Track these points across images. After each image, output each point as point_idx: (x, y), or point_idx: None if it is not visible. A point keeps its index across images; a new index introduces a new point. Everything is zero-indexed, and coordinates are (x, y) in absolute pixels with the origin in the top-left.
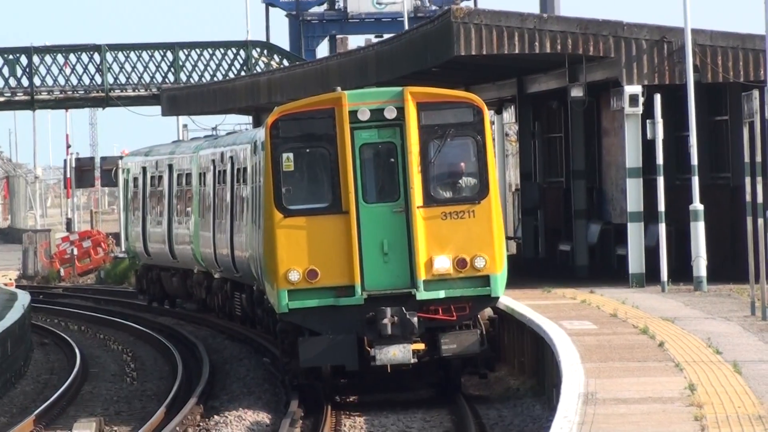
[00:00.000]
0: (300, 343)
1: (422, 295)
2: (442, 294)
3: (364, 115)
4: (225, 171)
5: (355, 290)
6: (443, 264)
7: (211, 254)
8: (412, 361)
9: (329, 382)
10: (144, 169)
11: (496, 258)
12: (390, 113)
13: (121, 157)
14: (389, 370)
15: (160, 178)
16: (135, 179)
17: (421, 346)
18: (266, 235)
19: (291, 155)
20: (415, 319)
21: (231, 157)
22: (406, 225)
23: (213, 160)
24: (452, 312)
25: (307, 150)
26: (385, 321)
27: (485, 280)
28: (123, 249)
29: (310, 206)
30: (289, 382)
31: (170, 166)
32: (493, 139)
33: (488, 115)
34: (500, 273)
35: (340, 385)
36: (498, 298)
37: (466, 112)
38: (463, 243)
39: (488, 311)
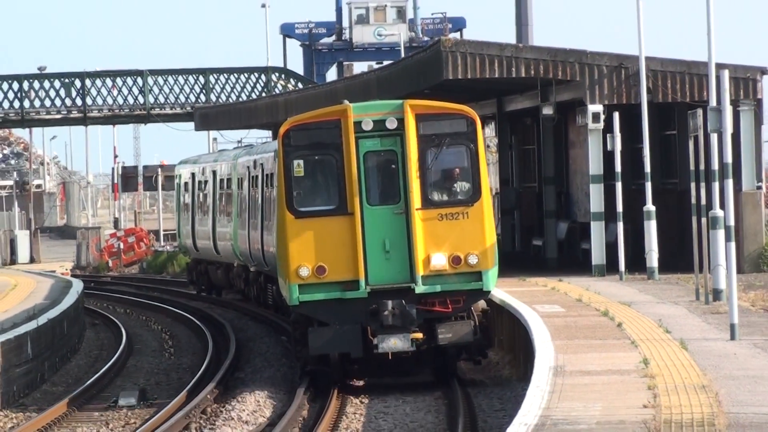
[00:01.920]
0: (309, 333)
1: (420, 289)
2: (438, 288)
3: (367, 126)
4: (257, 176)
5: (359, 284)
6: (439, 261)
7: (246, 250)
8: (411, 349)
9: (336, 368)
10: (193, 174)
11: (487, 255)
12: (391, 124)
13: (161, 166)
14: (390, 357)
15: (206, 182)
16: (186, 184)
17: (419, 335)
18: (279, 234)
19: (301, 162)
20: (414, 311)
21: (261, 164)
22: (405, 225)
23: (248, 167)
24: (448, 304)
25: (316, 157)
26: (387, 312)
27: (478, 276)
28: (176, 244)
29: (318, 208)
30: (301, 368)
31: (214, 173)
32: (487, 147)
33: (480, 125)
34: (491, 269)
35: (348, 371)
36: (489, 291)
37: (461, 122)
38: (457, 242)
39: (482, 303)
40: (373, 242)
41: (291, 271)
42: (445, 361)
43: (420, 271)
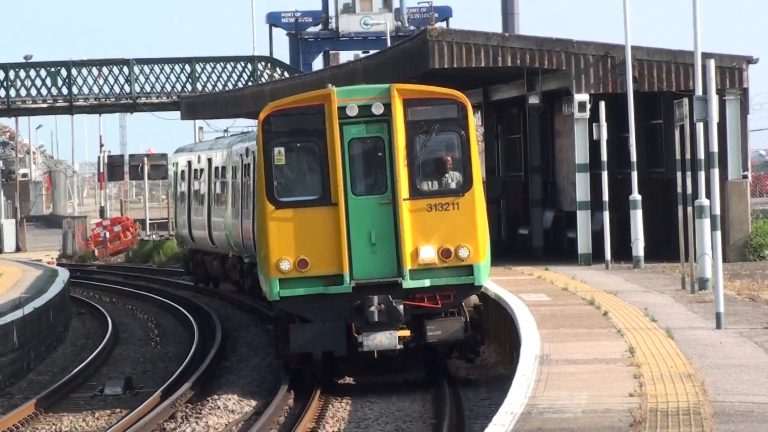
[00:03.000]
0: (291, 330)
1: (408, 283)
2: (427, 283)
3: (352, 111)
4: (249, 165)
5: (343, 279)
6: (428, 254)
7: (240, 241)
8: (398, 347)
9: (320, 367)
10: (189, 162)
11: (479, 248)
12: (377, 109)
13: (147, 155)
14: (376, 356)
15: (202, 171)
16: (182, 172)
17: (406, 332)
18: (259, 225)
19: (282, 149)
20: (401, 307)
21: (253, 152)
22: (393, 216)
23: (241, 155)
24: (437, 300)
25: (298, 144)
26: (372, 308)
27: (469, 269)
28: (169, 233)
29: (300, 198)
30: (284, 366)
31: (209, 161)
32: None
33: (471, 111)
34: (483, 262)
35: (334, 368)
36: (481, 286)
37: (451, 108)
38: (447, 234)
39: (474, 299)
40: (358, 234)
41: (271, 265)
42: (435, 359)
43: (408, 265)
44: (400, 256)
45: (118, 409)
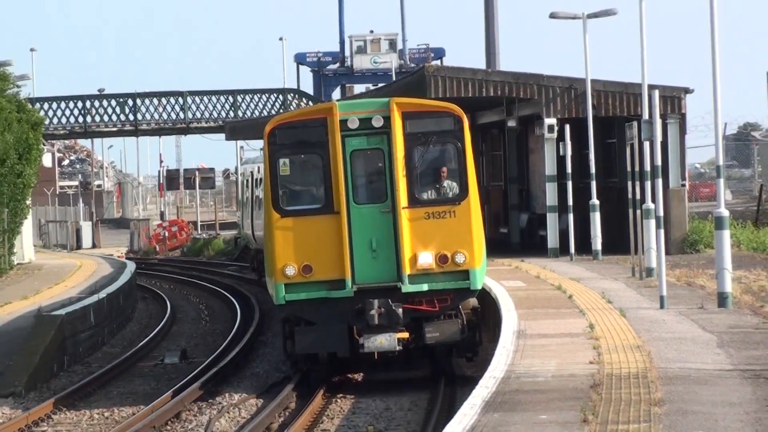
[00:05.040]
0: (296, 332)
1: (407, 288)
2: (425, 287)
3: (353, 124)
4: None
5: (345, 284)
6: (426, 260)
7: None
8: (398, 348)
9: (324, 367)
10: (252, 173)
11: (475, 254)
12: (377, 122)
13: (198, 169)
14: (376, 357)
15: (260, 180)
16: (246, 181)
17: (405, 335)
18: (266, 233)
19: (287, 161)
20: (400, 310)
21: None
22: (392, 224)
23: None
24: (435, 303)
25: (302, 156)
26: (373, 312)
27: (465, 274)
28: (220, 233)
29: (304, 207)
30: (291, 366)
31: None
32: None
33: (467, 123)
34: (479, 267)
35: (339, 367)
36: (477, 290)
37: (448, 120)
38: (444, 240)
39: (473, 301)
40: (360, 241)
41: (277, 270)
42: (436, 358)
43: (407, 270)
44: (399, 261)
45: (175, 376)
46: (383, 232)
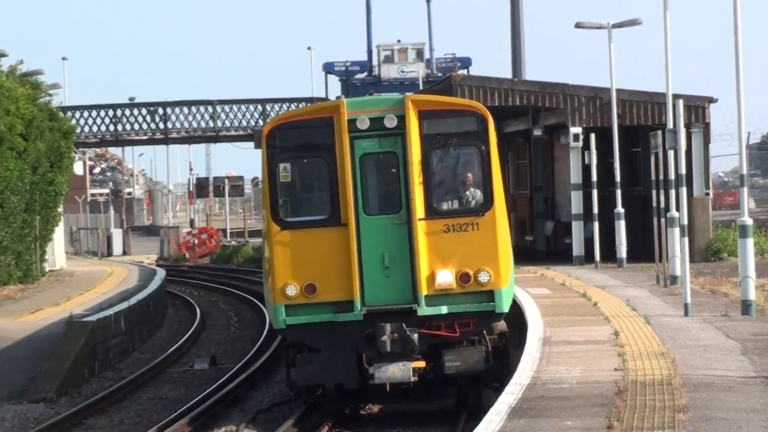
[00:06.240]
0: (298, 361)
1: (424, 310)
2: (444, 310)
3: (363, 124)
4: None
5: (354, 306)
6: (446, 278)
7: None
8: (413, 379)
9: (331, 400)
10: None
11: (501, 272)
12: (390, 122)
13: (228, 177)
14: (388, 389)
15: None
16: None
17: (422, 363)
18: (264, 247)
19: (288, 165)
20: (415, 336)
21: None
22: (407, 238)
23: None
24: (455, 328)
25: (305, 160)
26: (385, 338)
27: (490, 295)
28: (248, 240)
29: (308, 218)
30: (294, 398)
31: None
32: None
33: (492, 123)
34: (506, 288)
35: (350, 397)
36: (503, 314)
37: (470, 120)
38: (466, 257)
39: (501, 325)
40: (370, 257)
41: (276, 290)
42: (458, 390)
43: (423, 291)
44: (415, 280)
45: (205, 381)
46: (397, 246)
